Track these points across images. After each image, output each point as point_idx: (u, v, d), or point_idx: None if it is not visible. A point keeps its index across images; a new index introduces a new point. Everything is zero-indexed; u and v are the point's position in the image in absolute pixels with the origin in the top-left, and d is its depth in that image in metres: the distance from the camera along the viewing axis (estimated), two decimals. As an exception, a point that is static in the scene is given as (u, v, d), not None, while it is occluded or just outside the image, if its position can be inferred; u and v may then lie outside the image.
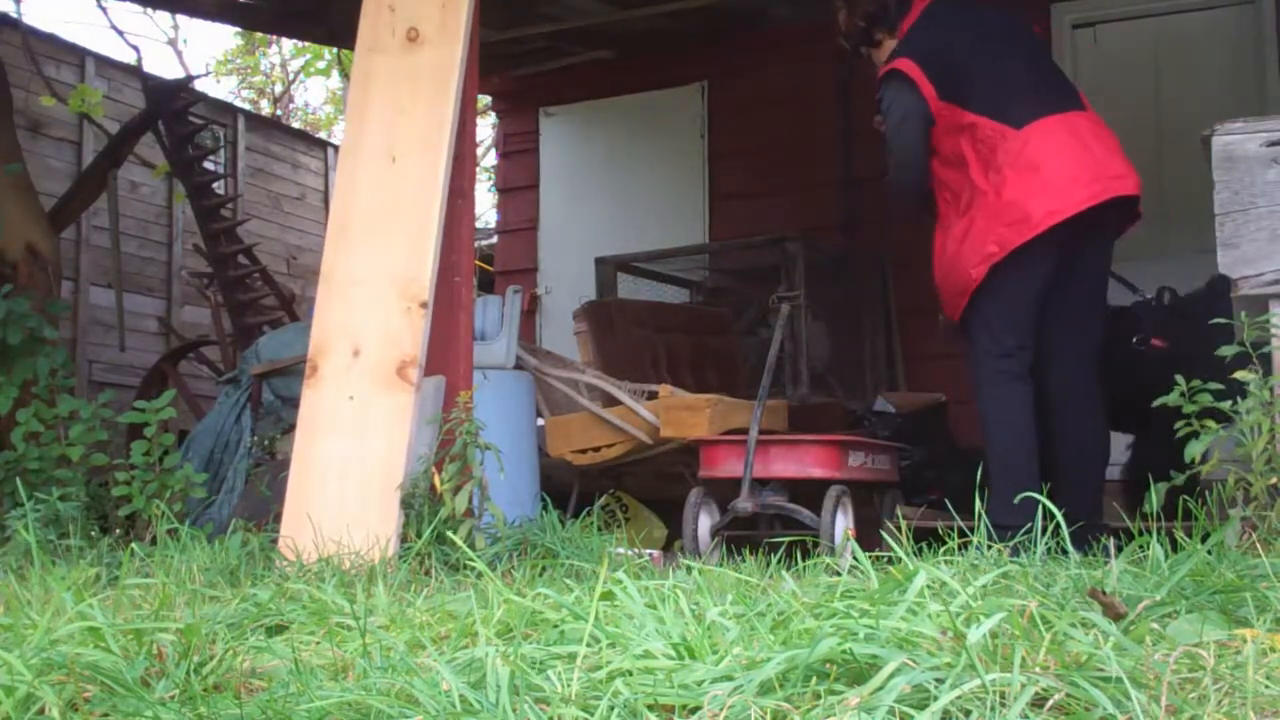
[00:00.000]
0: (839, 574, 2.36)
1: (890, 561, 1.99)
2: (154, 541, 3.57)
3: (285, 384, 5.37)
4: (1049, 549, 2.43)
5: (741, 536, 4.14)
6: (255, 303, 8.29)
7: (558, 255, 7.90)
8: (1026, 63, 4.25)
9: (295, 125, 16.69)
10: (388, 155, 3.96)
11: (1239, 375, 3.00)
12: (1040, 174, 3.98)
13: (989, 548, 2.39)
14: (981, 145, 4.05)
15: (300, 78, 18.35)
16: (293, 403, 4.74)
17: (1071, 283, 4.14)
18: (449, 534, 3.39)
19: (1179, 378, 3.07)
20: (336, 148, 11.18)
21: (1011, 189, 3.98)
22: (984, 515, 2.48)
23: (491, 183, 13.26)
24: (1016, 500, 3.40)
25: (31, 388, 5.43)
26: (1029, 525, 2.45)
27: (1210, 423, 3.00)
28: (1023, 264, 4.02)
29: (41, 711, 1.67)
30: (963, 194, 4.11)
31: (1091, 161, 4.02)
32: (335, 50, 11.51)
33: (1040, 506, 2.31)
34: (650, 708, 1.48)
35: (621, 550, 3.66)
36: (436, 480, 3.62)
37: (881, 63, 4.35)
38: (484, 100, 9.72)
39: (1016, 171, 3.98)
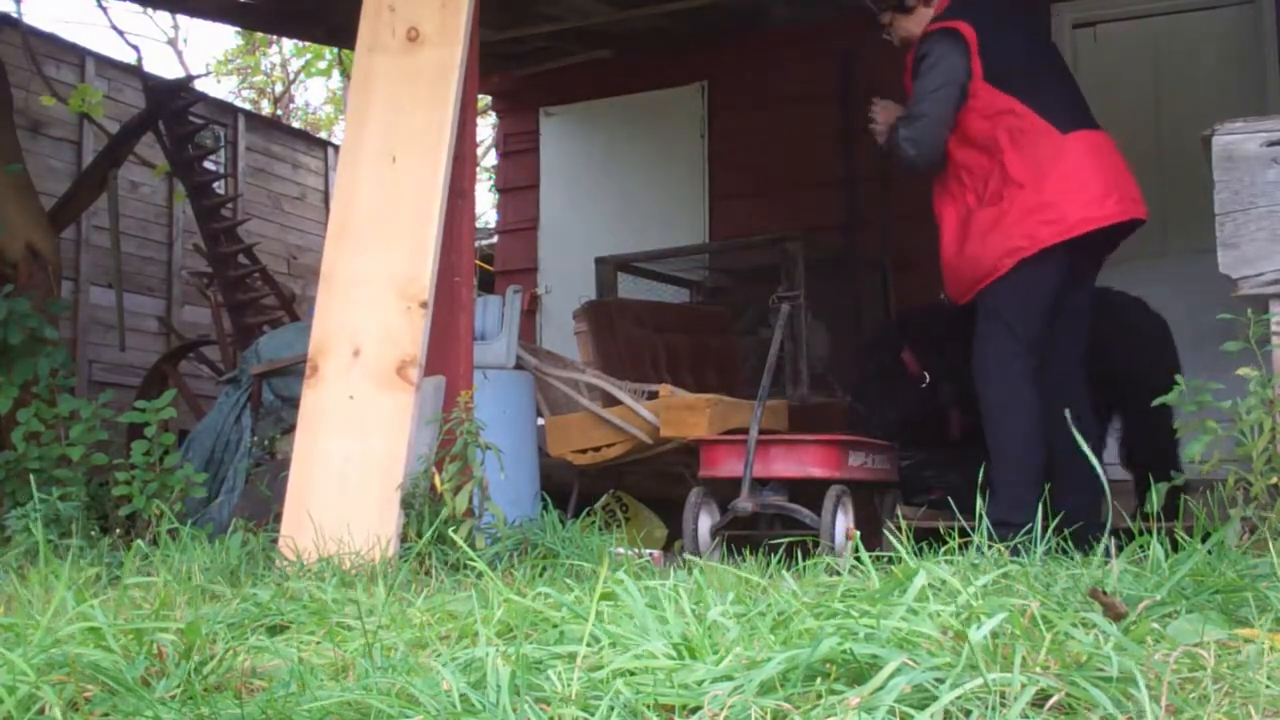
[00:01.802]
0: (839, 574, 2.36)
1: (890, 561, 1.99)
2: (154, 541, 3.57)
3: (285, 384, 5.37)
4: (1050, 548, 2.43)
5: (741, 536, 4.14)
6: (255, 303, 8.29)
7: (558, 255, 7.89)
8: (1060, 76, 4.31)
9: (295, 125, 16.69)
10: (388, 155, 3.96)
11: (1242, 372, 3.01)
12: (1080, 180, 4.02)
13: (989, 547, 2.39)
14: (1021, 137, 4.05)
15: (300, 78, 18.36)
16: (293, 403, 4.74)
17: (1070, 293, 4.20)
18: (449, 534, 3.39)
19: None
20: (336, 148, 11.18)
21: (1053, 189, 4.01)
22: (986, 514, 2.48)
23: (491, 183, 13.26)
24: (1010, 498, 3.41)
25: (32, 388, 5.44)
26: (1032, 524, 2.46)
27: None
28: (1045, 264, 4.07)
29: (42, 711, 1.67)
30: (990, 181, 4.08)
31: (1121, 180, 4.11)
32: (335, 50, 11.52)
33: (1042, 505, 2.31)
34: (651, 707, 1.48)
35: (621, 550, 3.66)
36: (437, 480, 3.62)
37: (908, 34, 4.30)
38: (484, 100, 9.71)
39: (1059, 174, 4.02)
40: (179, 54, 18.86)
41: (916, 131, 4.16)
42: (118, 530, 4.32)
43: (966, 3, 4.20)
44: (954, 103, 4.11)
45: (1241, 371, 3.01)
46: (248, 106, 15.84)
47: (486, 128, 14.62)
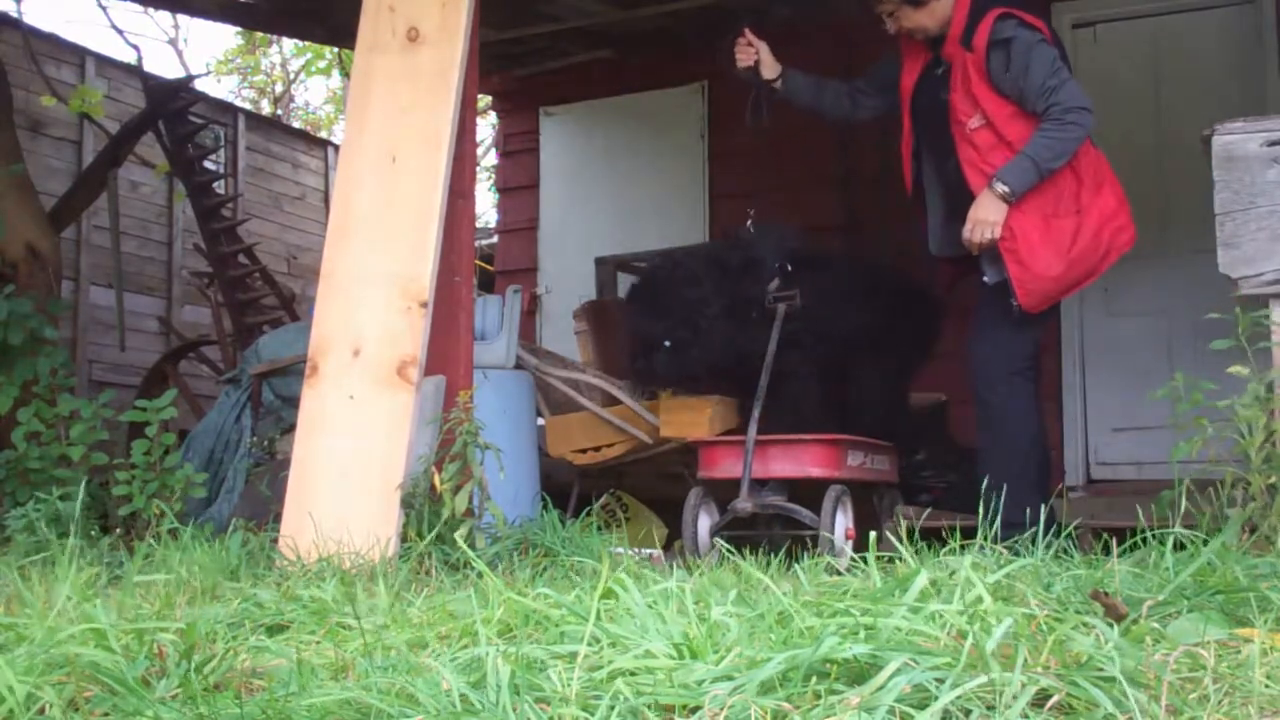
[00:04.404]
0: (839, 574, 2.36)
1: (891, 561, 1.99)
2: (154, 541, 3.57)
3: (285, 384, 5.37)
4: (1049, 548, 2.43)
5: (741, 536, 4.13)
6: (255, 302, 8.29)
7: (558, 255, 7.88)
8: None
9: (295, 125, 16.69)
10: (388, 155, 3.96)
11: (1233, 370, 3.01)
12: (1122, 192, 4.06)
13: (990, 547, 2.39)
14: (1086, 144, 4.05)
15: (300, 78, 18.36)
16: (293, 402, 4.74)
17: None
18: (449, 534, 3.39)
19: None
20: (336, 148, 11.17)
21: (1114, 196, 4.03)
22: (998, 514, 2.49)
23: (491, 183, 13.25)
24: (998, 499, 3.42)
25: (32, 387, 5.44)
26: (1041, 525, 2.47)
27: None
28: None
29: (43, 711, 1.68)
30: (1064, 188, 4.02)
31: None
32: (335, 50, 11.51)
33: (1049, 506, 2.31)
34: (651, 707, 1.47)
35: (621, 550, 3.66)
36: (436, 480, 3.62)
37: (916, 26, 4.20)
38: (484, 100, 9.71)
39: (1113, 184, 4.05)
40: (179, 54, 18.92)
41: (1078, 90, 4.00)
42: (118, 530, 4.33)
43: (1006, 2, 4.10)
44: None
45: (1233, 370, 3.01)
46: (248, 106, 15.83)
47: (486, 128, 14.63)
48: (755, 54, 4.58)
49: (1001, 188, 3.94)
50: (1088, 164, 4.03)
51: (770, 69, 4.59)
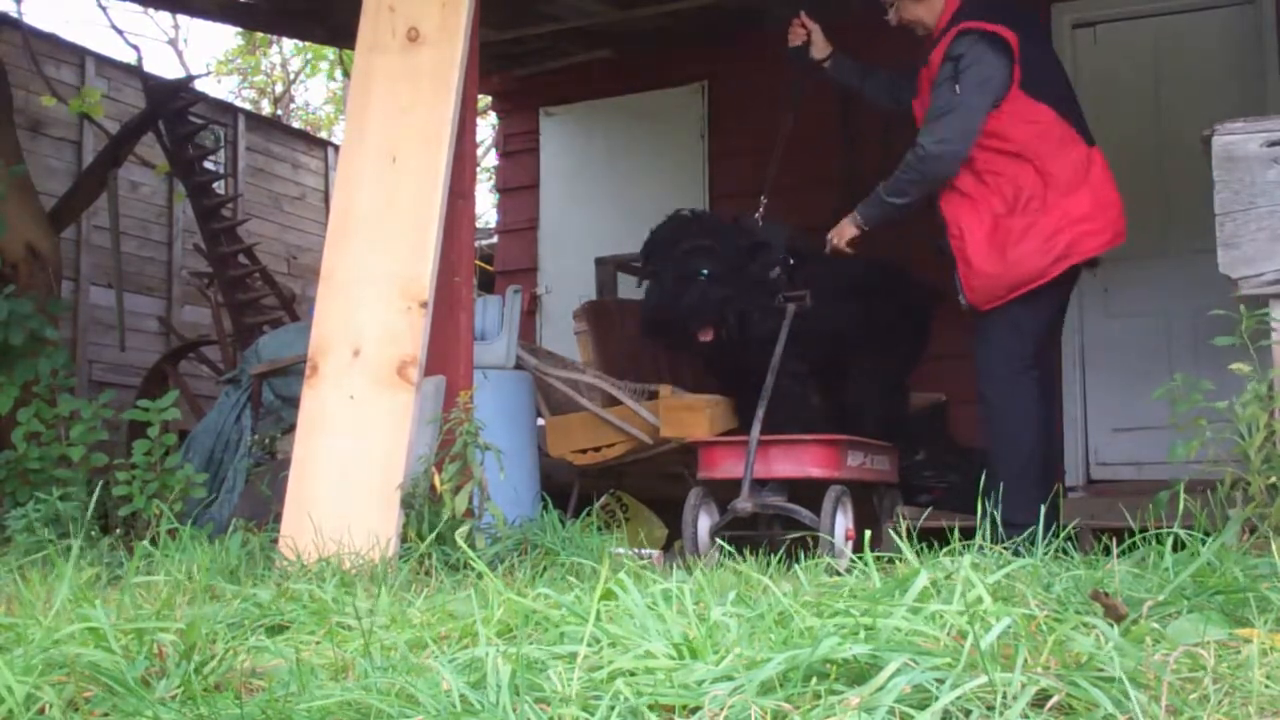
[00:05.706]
0: (839, 574, 2.36)
1: (891, 561, 1.99)
2: (154, 541, 3.57)
3: (285, 384, 5.37)
4: (1050, 548, 2.43)
5: (741, 536, 4.13)
6: (255, 303, 8.29)
7: (558, 255, 7.88)
8: (1069, 85, 4.33)
9: (295, 125, 16.68)
10: (388, 155, 3.96)
11: (1235, 368, 3.01)
12: (1110, 195, 4.08)
13: (990, 547, 2.39)
14: (1057, 145, 4.05)
15: (300, 78, 18.36)
16: (293, 403, 4.74)
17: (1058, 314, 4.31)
18: (449, 534, 3.39)
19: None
20: (336, 148, 11.17)
21: (1090, 201, 4.04)
22: (997, 513, 2.49)
23: (491, 183, 13.25)
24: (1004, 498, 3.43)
25: (33, 388, 5.44)
26: (1041, 524, 2.48)
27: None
28: (1069, 277, 4.13)
29: (42, 711, 1.67)
30: (1021, 187, 4.04)
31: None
32: (336, 50, 11.51)
33: (1049, 505, 2.31)
34: (651, 708, 1.47)
35: (621, 550, 3.66)
36: (436, 480, 3.62)
37: (915, 19, 4.26)
38: (484, 100, 9.71)
39: (1093, 185, 4.05)
40: (179, 54, 18.88)
41: (947, 130, 4.05)
42: (117, 530, 4.33)
43: (988, 5, 4.13)
44: (986, 110, 4.03)
45: (1234, 367, 3.01)
46: (248, 106, 15.83)
47: (486, 128, 14.62)
48: (806, 36, 4.72)
49: (857, 216, 4.31)
50: (1065, 164, 4.04)
51: (820, 50, 4.74)
